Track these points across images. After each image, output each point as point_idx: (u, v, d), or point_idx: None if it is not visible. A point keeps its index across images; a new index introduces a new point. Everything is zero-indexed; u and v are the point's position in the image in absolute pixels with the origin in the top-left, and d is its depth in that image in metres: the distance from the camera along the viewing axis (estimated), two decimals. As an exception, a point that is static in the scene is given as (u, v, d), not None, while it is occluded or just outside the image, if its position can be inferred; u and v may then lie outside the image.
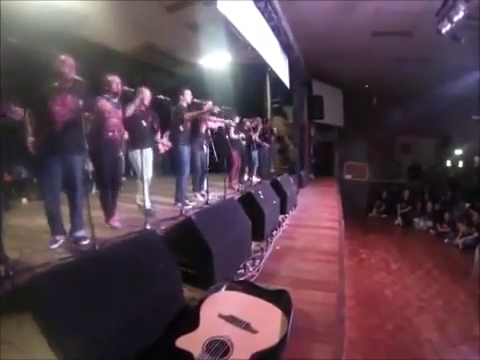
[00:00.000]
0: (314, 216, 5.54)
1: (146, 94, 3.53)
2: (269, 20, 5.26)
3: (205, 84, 6.32)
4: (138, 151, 3.36)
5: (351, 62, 8.36)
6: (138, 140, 3.30)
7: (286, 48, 6.73)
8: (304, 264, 3.27)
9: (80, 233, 2.70)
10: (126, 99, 3.31)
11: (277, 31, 5.79)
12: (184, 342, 1.62)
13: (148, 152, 3.69)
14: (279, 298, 2.08)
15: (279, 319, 1.88)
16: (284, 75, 6.86)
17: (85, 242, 2.63)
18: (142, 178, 3.39)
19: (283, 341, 1.71)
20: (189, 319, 1.83)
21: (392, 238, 9.24)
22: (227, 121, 5.15)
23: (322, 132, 11.74)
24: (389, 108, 11.16)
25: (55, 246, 2.55)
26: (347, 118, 11.57)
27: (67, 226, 2.74)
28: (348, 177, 12.40)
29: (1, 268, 2.05)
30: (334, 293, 2.66)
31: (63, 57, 2.58)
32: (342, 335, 2.14)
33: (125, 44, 6.13)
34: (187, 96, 4.14)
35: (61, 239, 2.61)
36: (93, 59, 4.66)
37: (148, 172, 3.69)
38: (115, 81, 3.11)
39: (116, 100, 3.18)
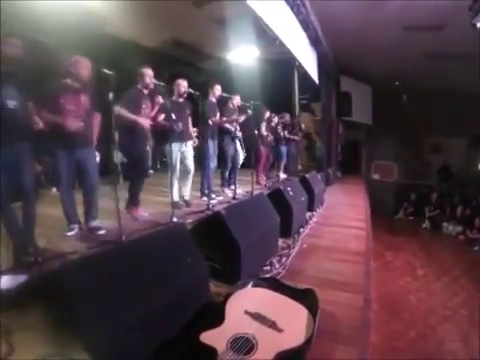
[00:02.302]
0: (341, 215, 5.47)
1: (182, 85, 3.58)
2: (297, 14, 5.16)
3: (233, 79, 6.30)
4: (173, 145, 3.43)
5: (381, 58, 8.05)
6: (174, 133, 3.36)
7: (314, 43, 6.60)
8: (330, 263, 3.23)
9: (94, 223, 2.79)
10: (156, 92, 3.35)
11: (305, 25, 5.68)
12: (208, 337, 1.62)
13: (187, 146, 3.76)
14: (306, 297, 2.05)
15: (305, 319, 1.85)
16: (312, 70, 6.73)
17: (101, 232, 2.71)
18: (174, 172, 3.46)
19: (308, 342, 1.68)
20: (214, 314, 1.83)
21: (419, 242, 8.92)
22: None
23: (349, 130, 11.44)
24: (419, 106, 10.73)
25: (71, 233, 2.66)
26: (376, 116, 11.20)
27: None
28: (376, 177, 12.09)
29: (31, 255, 2.15)
30: (360, 295, 2.61)
31: (77, 57, 2.64)
32: (367, 339, 2.09)
33: (152, 39, 6.23)
34: (216, 91, 4.15)
35: (76, 227, 2.72)
36: (121, 54, 4.77)
37: (189, 166, 3.76)
38: (148, 74, 3.13)
39: (147, 92, 3.21)
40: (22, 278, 1.92)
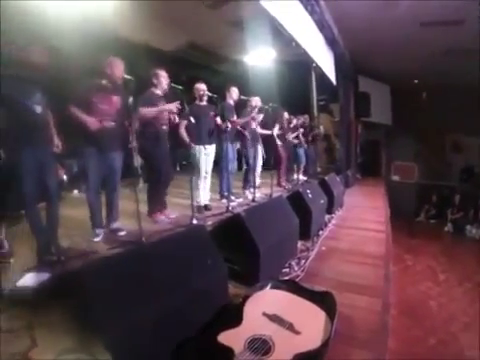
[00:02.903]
0: (360, 217, 5.40)
1: (201, 89, 3.63)
2: (312, 14, 5.12)
3: (250, 81, 6.31)
4: (198, 147, 3.50)
5: (399, 56, 7.87)
6: (198, 136, 3.43)
7: (331, 43, 6.54)
8: (349, 266, 3.20)
9: (115, 225, 2.87)
10: (173, 96, 3.40)
11: (321, 25, 5.64)
12: (226, 338, 1.64)
13: (211, 149, 3.81)
14: (324, 300, 2.05)
15: (323, 322, 1.85)
16: (330, 71, 6.68)
17: (122, 233, 2.79)
18: (198, 175, 3.54)
19: (326, 344, 1.68)
20: (232, 315, 1.85)
21: (441, 246, 8.62)
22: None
23: (369, 130, 11.24)
24: (439, 104, 10.38)
25: (98, 239, 2.71)
26: (395, 116, 10.96)
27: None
28: (396, 178, 11.79)
29: (54, 254, 2.24)
30: (379, 299, 2.56)
31: (112, 58, 2.71)
32: (385, 343, 2.05)
33: (168, 43, 6.27)
34: (233, 93, 4.17)
35: (101, 233, 2.77)
36: (137, 59, 4.84)
37: (209, 169, 3.82)
38: (163, 75, 3.16)
39: (163, 94, 3.24)
40: (45, 276, 2.00)
